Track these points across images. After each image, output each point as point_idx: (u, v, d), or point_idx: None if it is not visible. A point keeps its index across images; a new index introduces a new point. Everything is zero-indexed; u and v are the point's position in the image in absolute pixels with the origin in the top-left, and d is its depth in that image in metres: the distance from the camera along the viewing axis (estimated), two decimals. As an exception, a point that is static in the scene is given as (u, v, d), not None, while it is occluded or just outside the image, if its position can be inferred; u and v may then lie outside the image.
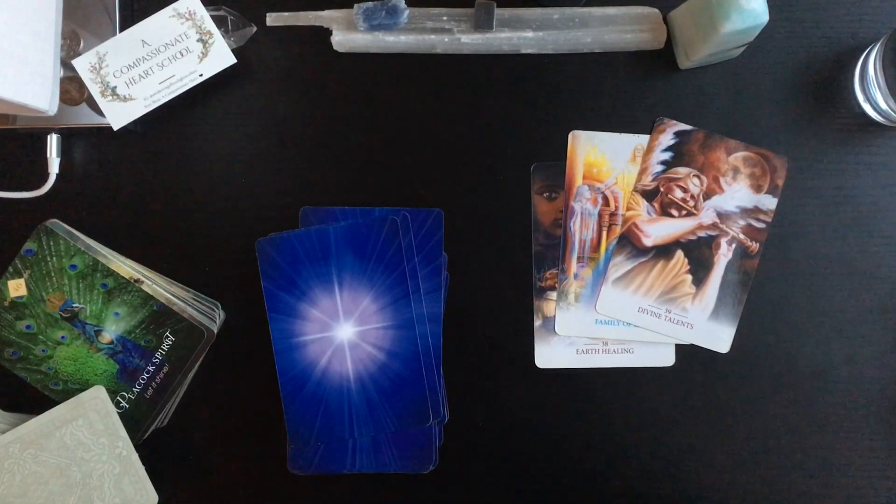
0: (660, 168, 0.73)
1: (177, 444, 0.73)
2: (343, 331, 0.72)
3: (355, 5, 0.72)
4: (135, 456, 0.68)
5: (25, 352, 0.71)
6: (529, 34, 0.73)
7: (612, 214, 0.73)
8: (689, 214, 0.73)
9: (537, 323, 0.74)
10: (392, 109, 0.74)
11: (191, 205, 0.74)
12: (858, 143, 0.74)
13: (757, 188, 0.73)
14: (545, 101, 0.74)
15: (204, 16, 0.70)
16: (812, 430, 0.73)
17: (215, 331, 0.71)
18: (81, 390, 0.69)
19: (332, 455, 0.72)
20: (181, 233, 0.74)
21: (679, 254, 0.73)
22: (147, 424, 0.71)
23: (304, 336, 0.72)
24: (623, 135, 0.74)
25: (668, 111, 0.74)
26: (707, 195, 0.73)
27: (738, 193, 0.73)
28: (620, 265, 0.73)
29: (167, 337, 0.71)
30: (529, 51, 0.74)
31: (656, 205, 0.73)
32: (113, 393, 0.71)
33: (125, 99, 0.70)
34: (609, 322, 0.73)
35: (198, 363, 0.72)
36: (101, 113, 0.70)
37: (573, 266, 0.73)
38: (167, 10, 0.70)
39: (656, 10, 0.73)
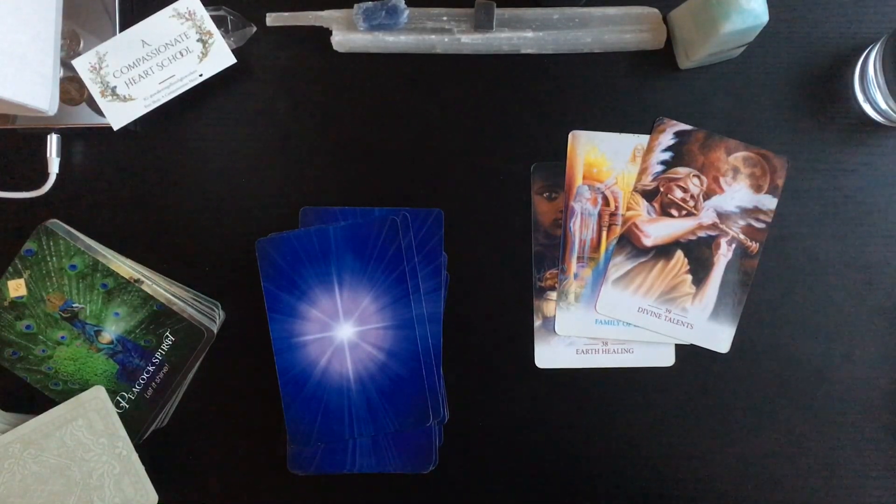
0: (660, 168, 0.73)
1: (177, 444, 0.73)
2: (343, 331, 0.72)
3: (355, 5, 0.72)
4: (135, 456, 0.68)
5: (25, 352, 0.71)
6: (529, 34, 0.73)
7: (612, 214, 0.73)
8: (689, 214, 0.73)
9: (537, 323, 0.73)
10: (392, 109, 0.74)
11: (190, 205, 0.74)
12: (858, 143, 0.74)
13: (757, 188, 0.73)
14: (545, 101, 0.74)
15: (204, 16, 0.70)
16: (812, 429, 0.73)
17: (215, 331, 0.71)
18: (81, 390, 0.69)
19: (332, 455, 0.72)
20: (181, 233, 0.74)
21: (679, 254, 0.73)
22: (147, 424, 0.71)
23: (303, 336, 0.72)
24: (623, 135, 0.74)
25: (668, 111, 0.74)
26: (707, 195, 0.73)
27: (738, 193, 0.73)
28: (620, 265, 0.73)
29: (167, 337, 0.71)
30: (529, 51, 0.74)
31: (656, 205, 0.73)
32: (113, 393, 0.71)
33: (125, 99, 0.70)
34: (609, 322, 0.73)
35: (198, 363, 0.72)
36: (101, 113, 0.70)
37: (573, 266, 0.73)
38: (167, 10, 0.70)
39: (656, 10, 0.73)
